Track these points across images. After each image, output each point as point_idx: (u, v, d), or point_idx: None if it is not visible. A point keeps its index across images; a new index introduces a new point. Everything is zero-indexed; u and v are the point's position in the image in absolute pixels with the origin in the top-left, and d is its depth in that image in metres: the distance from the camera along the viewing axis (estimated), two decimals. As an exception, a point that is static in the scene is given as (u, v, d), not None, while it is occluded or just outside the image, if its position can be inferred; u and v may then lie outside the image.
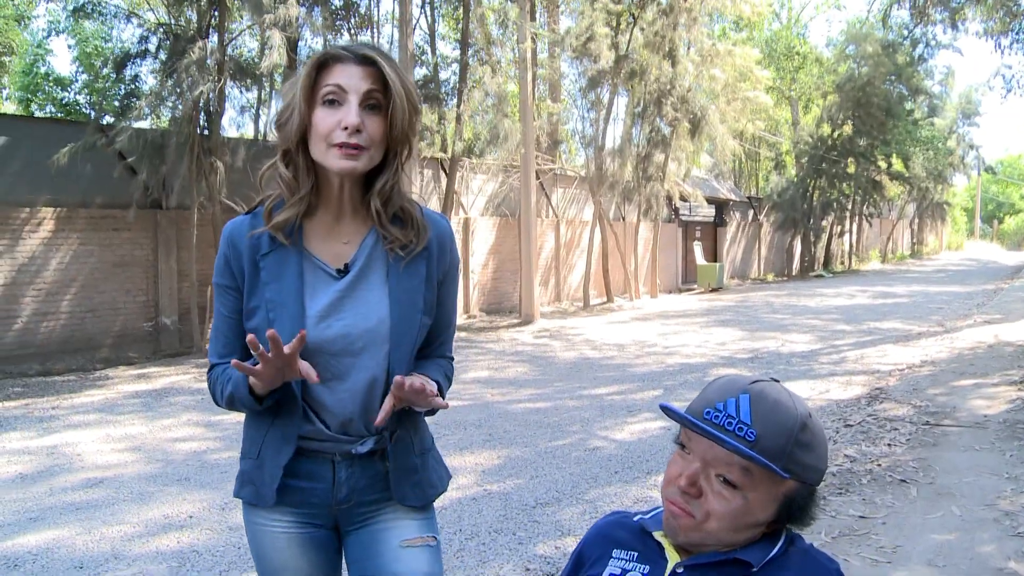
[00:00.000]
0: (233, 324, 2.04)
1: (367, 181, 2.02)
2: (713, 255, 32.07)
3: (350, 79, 1.90)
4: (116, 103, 16.02)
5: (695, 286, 29.21)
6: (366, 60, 1.91)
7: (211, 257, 13.87)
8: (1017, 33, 21.60)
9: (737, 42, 27.53)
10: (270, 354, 1.79)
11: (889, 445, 7.02)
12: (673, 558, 1.53)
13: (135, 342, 13.79)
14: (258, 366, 1.82)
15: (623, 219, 25.47)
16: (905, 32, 31.61)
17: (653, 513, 1.64)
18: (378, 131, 1.92)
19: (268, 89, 17.07)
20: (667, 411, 1.52)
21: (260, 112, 18.28)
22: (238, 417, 6.70)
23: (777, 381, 1.53)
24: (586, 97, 21.76)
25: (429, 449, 2.17)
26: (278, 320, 1.94)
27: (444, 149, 18.82)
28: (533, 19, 21.18)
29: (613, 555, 1.61)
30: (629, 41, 20.54)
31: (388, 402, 1.92)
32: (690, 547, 1.52)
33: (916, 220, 56.37)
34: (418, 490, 2.10)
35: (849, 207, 38.52)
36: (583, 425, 8.24)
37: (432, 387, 1.94)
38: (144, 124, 13.78)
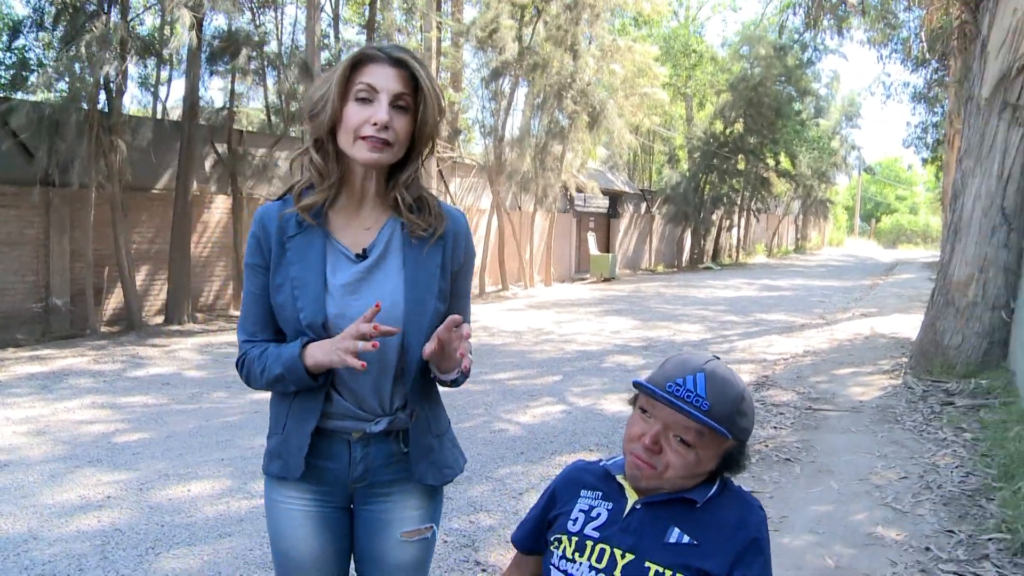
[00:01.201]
0: (264, 302, 2.16)
1: (389, 173, 2.16)
2: (606, 246, 32.63)
3: (383, 80, 2.03)
4: (4, 74, 15.57)
5: (588, 276, 29.69)
6: (399, 63, 2.04)
7: (109, 237, 13.72)
8: (896, 44, 22.68)
9: (637, 39, 28.15)
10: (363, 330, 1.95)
11: (775, 428, 7.51)
12: (632, 497, 1.89)
13: (23, 324, 13.41)
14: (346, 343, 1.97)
15: (519, 208, 25.79)
16: (796, 36, 32.69)
17: (614, 460, 1.99)
18: (404, 130, 2.06)
19: (169, 70, 16.79)
20: (639, 385, 1.85)
21: (160, 91, 17.97)
22: (146, 399, 6.88)
23: (718, 359, 1.89)
24: (488, 87, 21.97)
25: (445, 431, 2.30)
26: (301, 297, 2.08)
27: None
28: (438, 8, 21.29)
29: (581, 495, 1.96)
30: (532, 34, 20.84)
31: (433, 341, 2.03)
32: (645, 490, 1.87)
33: (800, 216, 58.13)
34: (435, 470, 2.23)
35: (738, 202, 39.52)
36: (487, 408, 8.50)
37: (467, 337, 2.07)
38: (39, 98, 13.43)
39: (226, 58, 15.38)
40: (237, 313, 16.74)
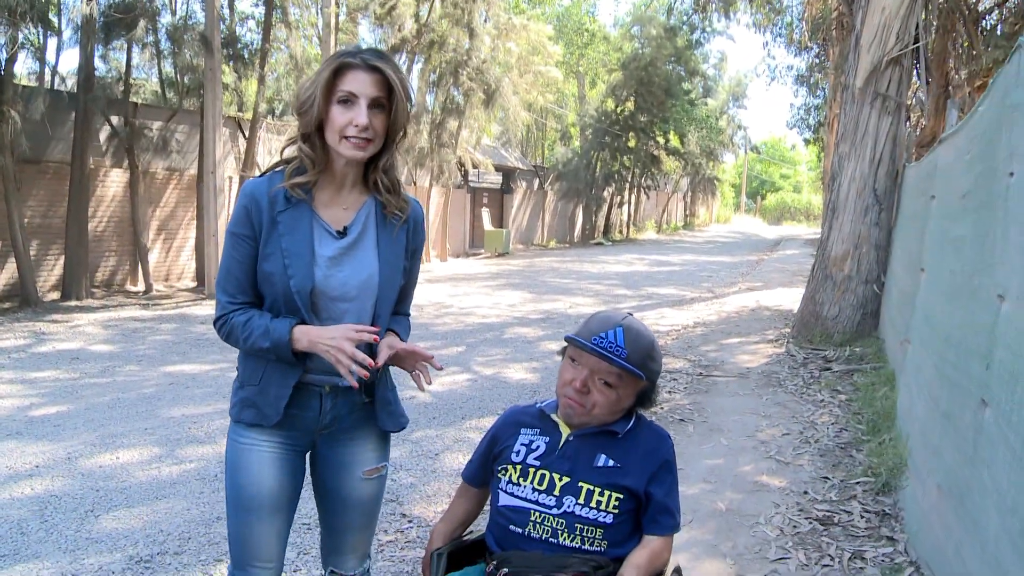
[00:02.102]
0: (247, 268, 2.42)
1: (368, 161, 2.48)
2: (500, 221, 33.06)
3: (361, 85, 2.33)
4: None
5: (482, 251, 30.09)
6: (375, 70, 2.34)
7: (1, 211, 13.48)
8: (780, 28, 23.63)
9: (532, 17, 28.50)
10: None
11: (670, 392, 8.07)
12: (566, 431, 2.38)
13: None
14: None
15: (415, 184, 25.98)
16: (685, 17, 33.55)
17: (548, 402, 2.46)
18: (381, 126, 2.38)
19: (59, 39, 16.38)
20: (570, 339, 2.33)
21: (53, 61, 17.55)
22: (57, 374, 7.19)
23: (632, 315, 2.38)
24: (386, 63, 22.04)
25: (394, 388, 2.67)
26: (292, 265, 2.37)
27: (241, 108, 18.74)
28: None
29: (521, 432, 2.43)
30: (430, 11, 21.03)
31: (386, 351, 2.44)
32: (576, 425, 2.35)
33: (689, 194, 59.57)
34: (393, 418, 2.62)
35: (629, 179, 40.31)
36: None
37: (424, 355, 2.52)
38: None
39: (123, 30, 15.18)
40: (136, 289, 16.77)
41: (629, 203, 43.81)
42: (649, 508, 2.31)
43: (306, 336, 2.33)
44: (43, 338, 11.03)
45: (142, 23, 15.11)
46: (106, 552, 4.38)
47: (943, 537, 3.66)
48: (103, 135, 16.34)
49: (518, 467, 2.35)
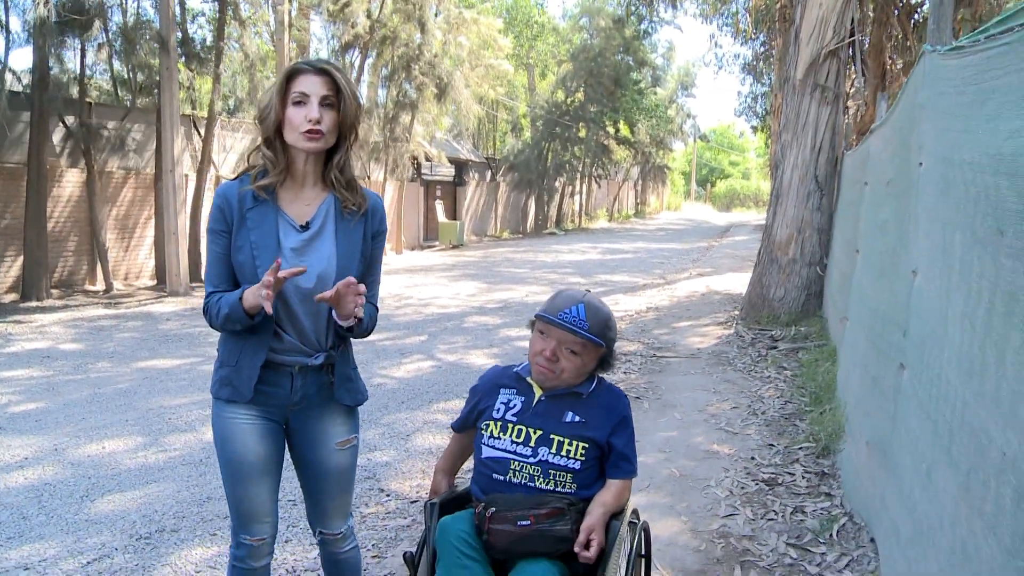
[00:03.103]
0: (225, 260, 2.74)
1: (325, 160, 2.79)
2: (453, 213, 33.34)
3: (311, 86, 2.65)
4: None
5: (436, 243, 30.37)
6: (323, 72, 2.66)
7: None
8: (726, 18, 24.17)
9: (481, 11, 28.80)
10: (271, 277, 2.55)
11: (625, 373, 8.51)
12: (538, 392, 2.78)
13: None
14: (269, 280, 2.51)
15: (368, 178, 26.15)
16: (633, 7, 33.99)
17: (523, 366, 2.86)
18: (331, 121, 2.68)
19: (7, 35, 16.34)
20: (540, 316, 2.72)
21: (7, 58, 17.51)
22: (30, 372, 7.49)
23: (590, 291, 2.79)
24: (339, 60, 22.27)
25: (355, 367, 2.96)
26: (260, 256, 2.67)
27: (194, 106, 18.83)
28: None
29: (501, 392, 2.83)
30: (382, 6, 21.26)
31: (332, 291, 2.59)
32: (548, 387, 2.76)
33: (640, 182, 60.14)
34: (352, 394, 2.90)
35: (580, 169, 40.83)
36: (364, 367, 8.95)
37: (361, 295, 2.64)
38: None
39: (77, 29, 15.24)
40: (95, 288, 16.87)
41: (581, 193, 44.30)
42: (611, 456, 2.73)
43: (250, 293, 2.61)
44: (9, 339, 11.15)
45: (97, 23, 15.20)
46: (106, 532, 4.68)
47: (871, 489, 4.11)
48: (57, 136, 16.35)
49: (498, 423, 2.74)
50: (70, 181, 16.95)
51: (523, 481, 2.64)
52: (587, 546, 2.52)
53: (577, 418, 2.71)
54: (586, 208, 46.11)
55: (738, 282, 15.76)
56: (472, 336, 11.13)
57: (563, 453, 2.65)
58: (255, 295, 2.57)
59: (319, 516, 3.00)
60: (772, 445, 5.94)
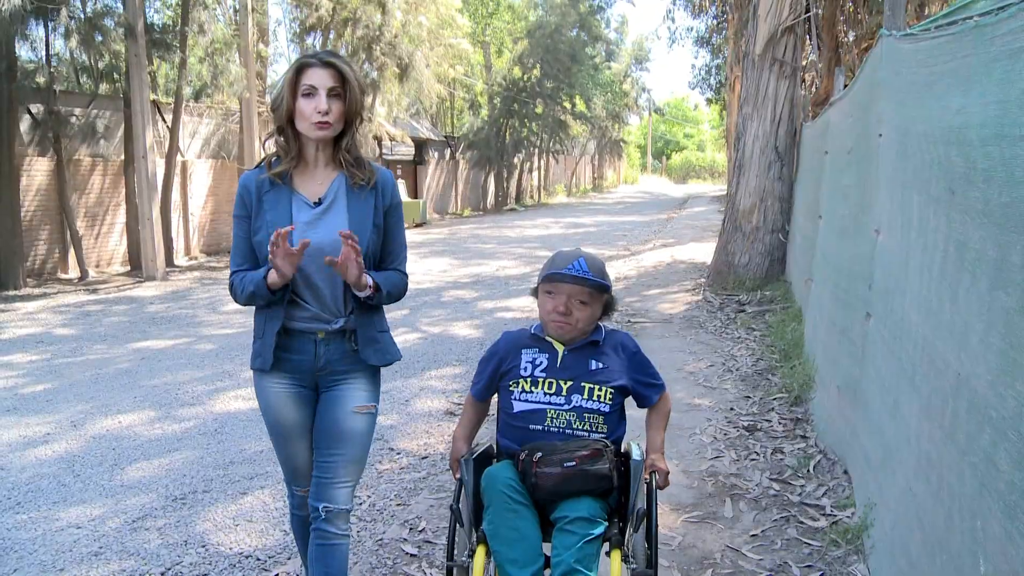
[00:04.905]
0: (247, 242, 3.01)
1: (334, 143, 3.03)
2: (414, 192, 33.55)
3: (319, 79, 2.88)
4: None
5: (401, 222, 30.46)
6: (329, 64, 2.90)
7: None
8: (681, -7, 24.59)
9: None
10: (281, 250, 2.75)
11: (604, 339, 8.96)
12: (560, 347, 3.05)
13: None
14: (278, 258, 2.75)
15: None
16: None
17: (537, 326, 3.12)
18: (339, 110, 2.91)
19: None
20: (550, 275, 2.99)
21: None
22: (28, 357, 7.94)
23: (581, 247, 3.11)
24: (301, 43, 22.46)
25: (385, 331, 3.19)
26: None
27: (156, 92, 18.93)
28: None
29: (523, 352, 3.07)
30: (344, -12, 21.46)
31: (340, 256, 2.82)
32: (568, 341, 3.05)
33: (597, 157, 60.38)
34: (378, 354, 3.11)
35: (538, 145, 40.97)
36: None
37: (358, 252, 2.83)
38: None
39: (42, 17, 15.31)
40: (70, 276, 17.02)
41: (539, 169, 44.55)
42: (641, 388, 3.10)
43: (271, 272, 2.84)
44: (0, 326, 11.37)
45: (64, 11, 15.29)
46: (143, 494, 5.07)
47: (843, 426, 4.62)
48: (24, 124, 16.39)
49: (528, 380, 3.01)
50: (39, 170, 17.00)
51: (561, 428, 2.92)
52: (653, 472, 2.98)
53: (600, 365, 3.00)
54: (545, 184, 46.32)
55: (701, 251, 16.32)
56: (452, 309, 11.54)
57: (595, 398, 2.95)
58: (273, 266, 2.81)
59: (324, 487, 3.04)
60: (748, 397, 6.46)
